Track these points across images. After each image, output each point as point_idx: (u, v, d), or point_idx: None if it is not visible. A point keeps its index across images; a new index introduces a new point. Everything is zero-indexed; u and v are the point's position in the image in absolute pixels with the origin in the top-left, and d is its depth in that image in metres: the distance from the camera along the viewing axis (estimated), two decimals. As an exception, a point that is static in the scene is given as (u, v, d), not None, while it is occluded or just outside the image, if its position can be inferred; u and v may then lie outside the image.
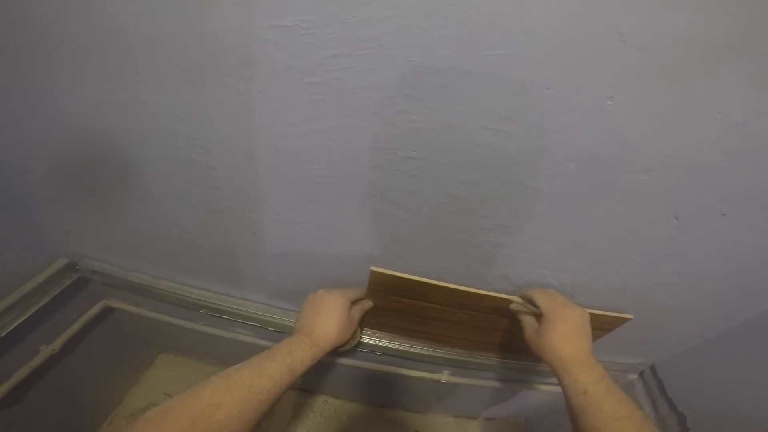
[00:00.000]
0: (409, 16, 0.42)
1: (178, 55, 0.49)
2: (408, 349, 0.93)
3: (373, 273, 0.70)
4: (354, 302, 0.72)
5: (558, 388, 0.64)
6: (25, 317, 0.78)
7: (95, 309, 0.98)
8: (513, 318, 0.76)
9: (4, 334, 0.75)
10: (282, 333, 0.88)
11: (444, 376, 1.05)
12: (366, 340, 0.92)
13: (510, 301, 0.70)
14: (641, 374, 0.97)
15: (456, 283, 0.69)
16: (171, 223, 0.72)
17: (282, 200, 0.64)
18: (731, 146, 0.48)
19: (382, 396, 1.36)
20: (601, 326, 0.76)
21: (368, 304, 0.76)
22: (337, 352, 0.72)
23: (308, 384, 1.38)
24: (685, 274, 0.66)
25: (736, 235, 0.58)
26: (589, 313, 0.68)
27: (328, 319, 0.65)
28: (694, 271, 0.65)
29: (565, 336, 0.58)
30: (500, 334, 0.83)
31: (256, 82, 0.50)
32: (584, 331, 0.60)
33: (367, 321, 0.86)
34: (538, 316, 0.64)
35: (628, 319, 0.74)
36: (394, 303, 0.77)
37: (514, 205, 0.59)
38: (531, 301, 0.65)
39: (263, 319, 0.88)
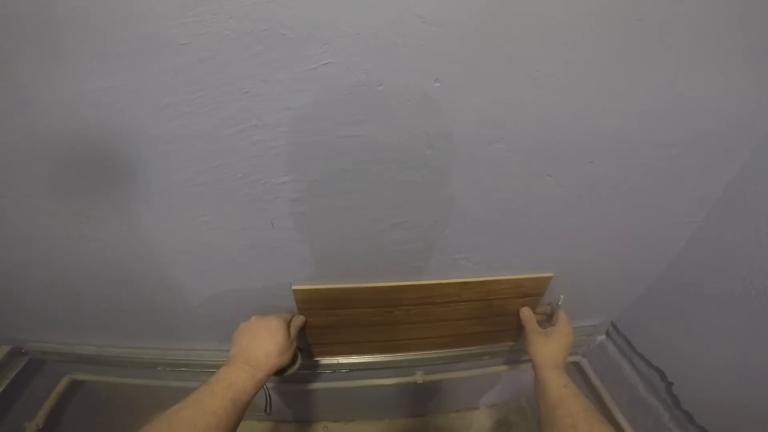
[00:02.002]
0: (228, 51, 0.44)
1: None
2: (369, 360, 0.94)
3: (295, 292, 0.71)
4: (289, 323, 0.73)
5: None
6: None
7: (62, 384, 0.99)
8: (446, 306, 0.78)
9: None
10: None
11: (419, 377, 1.05)
12: (326, 361, 0.93)
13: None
14: (608, 334, 0.97)
15: (376, 282, 0.71)
16: (93, 294, 0.73)
17: (182, 254, 0.66)
18: (562, 99, 0.50)
19: (375, 409, 1.35)
20: (530, 290, 0.77)
21: (300, 319, 0.76)
22: (283, 377, 0.73)
23: (302, 414, 1.37)
24: (584, 224, 0.67)
25: (609, 179, 0.60)
26: (514, 279, 0.74)
27: (266, 342, 0.64)
28: (590, 219, 0.66)
29: (564, 347, 0.73)
30: (445, 324, 0.83)
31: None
32: (571, 345, 0.76)
33: (318, 343, 0.86)
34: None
35: (550, 277, 0.75)
36: (332, 318, 0.78)
37: (398, 200, 0.60)
38: (550, 315, 0.82)
39: (220, 365, 0.89)
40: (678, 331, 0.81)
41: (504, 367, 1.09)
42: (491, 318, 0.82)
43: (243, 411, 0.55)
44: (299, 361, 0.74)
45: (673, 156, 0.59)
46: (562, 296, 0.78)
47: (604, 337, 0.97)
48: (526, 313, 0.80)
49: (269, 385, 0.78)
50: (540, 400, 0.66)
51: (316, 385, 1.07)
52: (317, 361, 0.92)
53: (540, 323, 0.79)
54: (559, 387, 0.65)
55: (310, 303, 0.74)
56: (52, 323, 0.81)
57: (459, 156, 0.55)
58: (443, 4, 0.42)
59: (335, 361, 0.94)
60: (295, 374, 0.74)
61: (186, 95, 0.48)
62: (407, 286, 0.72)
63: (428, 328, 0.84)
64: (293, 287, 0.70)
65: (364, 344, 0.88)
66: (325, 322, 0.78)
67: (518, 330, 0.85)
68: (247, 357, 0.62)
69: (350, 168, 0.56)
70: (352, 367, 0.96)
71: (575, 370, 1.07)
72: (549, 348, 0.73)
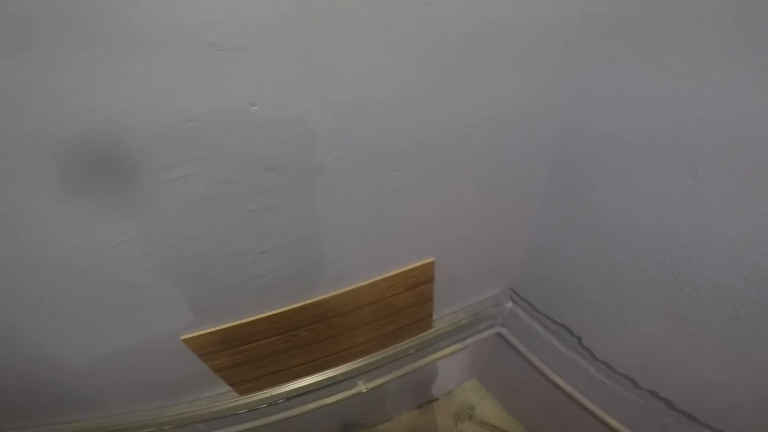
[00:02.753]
0: None
1: None
2: (303, 384, 0.94)
3: (186, 341, 0.70)
4: None
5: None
6: None
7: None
8: (349, 315, 0.80)
9: None
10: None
11: (361, 386, 1.06)
12: (258, 396, 0.92)
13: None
14: (514, 300, 1.04)
15: (267, 312, 0.72)
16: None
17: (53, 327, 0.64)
18: (383, 96, 0.55)
19: (341, 427, 1.35)
20: (419, 279, 0.81)
21: None
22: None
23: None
24: (444, 207, 0.72)
25: (449, 162, 0.66)
26: (401, 272, 0.76)
27: None
28: (448, 201, 0.72)
29: None
30: (359, 331, 0.86)
31: None
32: None
33: (238, 383, 0.85)
34: None
35: (432, 262, 0.79)
36: (238, 356, 0.77)
37: (256, 230, 0.61)
38: None
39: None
40: (564, 285, 0.88)
41: (440, 354, 1.13)
42: (397, 314, 0.86)
43: None
44: None
45: (497, 129, 0.66)
46: None
47: (511, 303, 1.03)
48: None
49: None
50: None
51: (259, 422, 1.05)
52: (248, 399, 0.91)
53: None
54: None
55: (208, 347, 0.73)
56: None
57: (302, 172, 0.57)
58: (238, 29, 0.43)
59: (268, 394, 0.93)
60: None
61: None
62: (301, 307, 0.74)
63: (345, 339, 0.86)
64: (182, 338, 0.70)
65: (288, 371, 0.88)
66: (233, 361, 0.78)
67: (429, 318, 0.89)
68: None
69: (191, 210, 0.56)
70: (288, 396, 0.95)
71: (501, 342, 1.12)
72: None
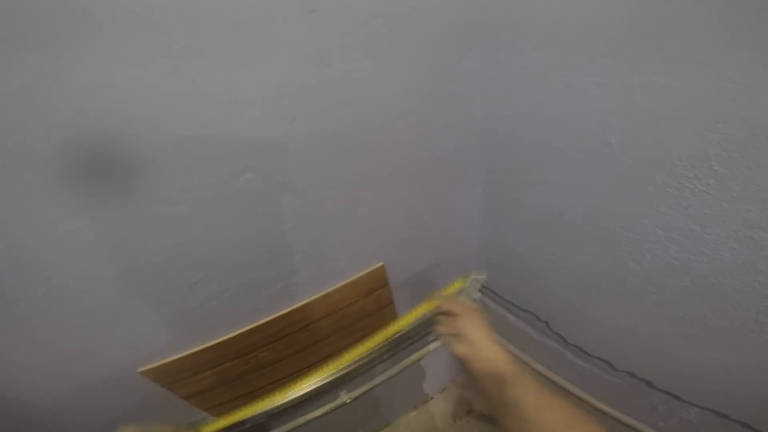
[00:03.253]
0: None
1: None
2: (281, 402, 0.94)
3: (144, 373, 0.71)
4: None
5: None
6: None
7: None
8: (306, 330, 0.79)
9: None
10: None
11: (344, 397, 1.06)
12: (237, 417, 0.92)
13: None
14: (480, 291, 1.02)
15: (219, 338, 0.72)
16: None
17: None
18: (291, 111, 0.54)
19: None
20: (372, 286, 0.80)
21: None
22: None
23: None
24: (380, 210, 0.71)
25: (373, 164, 0.65)
26: (350, 282, 0.75)
27: None
28: (382, 204, 0.71)
29: (490, 338, 0.56)
30: (322, 344, 0.85)
31: None
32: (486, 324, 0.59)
33: (212, 407, 0.86)
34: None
35: (382, 266, 0.79)
36: (202, 382, 0.78)
37: (181, 263, 0.62)
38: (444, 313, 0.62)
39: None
40: (521, 272, 0.87)
41: (417, 354, 1.12)
42: (359, 322, 0.85)
43: None
44: None
45: (415, 124, 0.65)
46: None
47: (480, 294, 1.02)
48: (441, 330, 0.62)
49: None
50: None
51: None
52: (227, 421, 0.91)
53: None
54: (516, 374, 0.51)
55: (168, 377, 0.73)
56: None
57: (213, 200, 0.57)
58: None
59: (247, 415, 0.93)
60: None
61: None
62: (251, 329, 0.74)
63: (309, 354, 0.86)
64: (139, 371, 0.70)
65: (258, 391, 0.89)
66: (198, 388, 0.78)
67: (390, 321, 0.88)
68: None
69: (100, 260, 0.55)
70: (268, 415, 0.96)
71: None
72: (484, 347, 0.56)
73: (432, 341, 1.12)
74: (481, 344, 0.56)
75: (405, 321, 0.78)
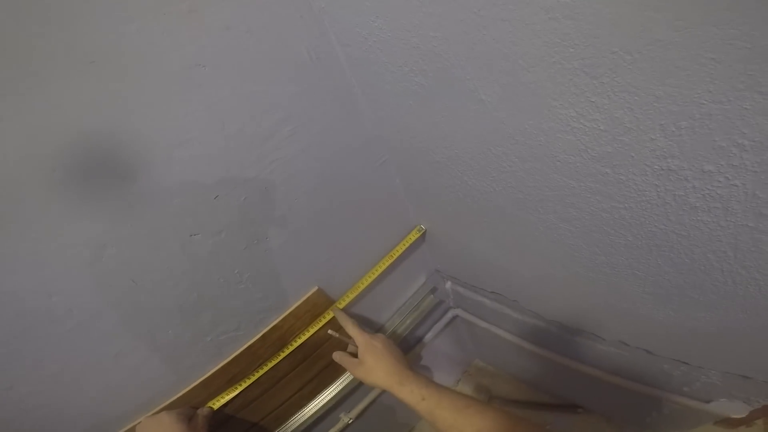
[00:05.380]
0: None
1: None
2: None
3: None
4: (191, 417, 0.69)
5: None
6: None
7: None
8: (260, 371, 0.76)
9: None
10: None
11: (344, 418, 1.03)
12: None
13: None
14: (451, 281, 0.94)
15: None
16: None
17: None
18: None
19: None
20: (315, 312, 0.75)
21: (206, 410, 0.72)
22: None
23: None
24: (293, 236, 0.66)
25: (264, 188, 0.60)
26: (289, 314, 0.72)
27: None
28: (294, 229, 0.66)
29: (382, 358, 0.67)
30: (290, 378, 0.82)
31: None
32: (393, 350, 0.70)
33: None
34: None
35: (318, 290, 0.73)
36: None
37: (93, 337, 0.60)
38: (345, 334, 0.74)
39: None
40: (470, 254, 0.78)
41: (416, 349, 1.06)
42: (317, 353, 0.81)
43: None
44: None
45: (293, 133, 0.59)
46: (333, 310, 0.75)
47: (450, 283, 0.93)
48: (337, 357, 0.76)
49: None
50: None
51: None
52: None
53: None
54: (419, 403, 0.60)
55: None
56: None
57: (94, 296, 0.54)
58: None
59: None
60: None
61: None
62: (199, 384, 0.72)
63: (280, 392, 0.83)
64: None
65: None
66: None
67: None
68: None
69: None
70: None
71: (461, 325, 1.03)
72: (372, 372, 0.67)
73: (425, 335, 1.05)
74: (390, 375, 0.65)
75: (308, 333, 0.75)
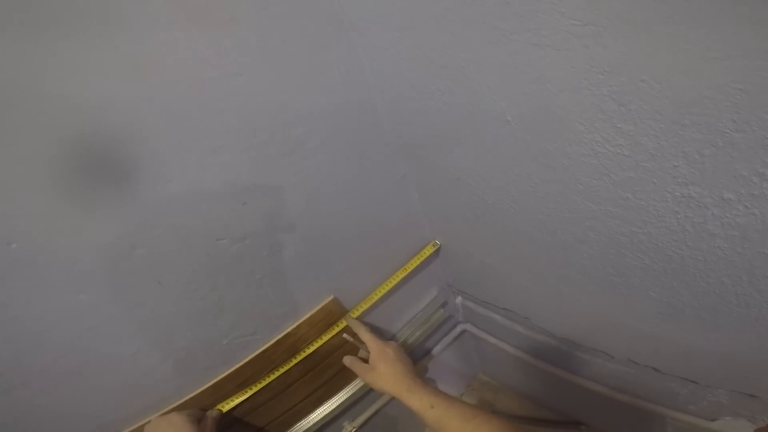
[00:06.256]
0: None
1: None
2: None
3: None
4: (200, 419, 0.69)
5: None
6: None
7: None
8: (272, 375, 0.77)
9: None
10: None
11: (348, 427, 1.03)
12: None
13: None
14: (461, 296, 0.95)
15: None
16: None
17: None
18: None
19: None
20: (329, 320, 0.76)
21: (215, 412, 0.73)
22: None
23: None
24: (314, 246, 0.67)
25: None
26: (304, 321, 0.73)
27: None
28: (314, 239, 0.67)
29: (393, 366, 0.68)
30: (300, 384, 0.82)
31: None
32: (404, 358, 0.71)
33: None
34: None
35: (332, 299, 0.74)
36: None
37: (108, 338, 0.60)
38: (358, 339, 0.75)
39: None
40: (485, 270, 0.79)
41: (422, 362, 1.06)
42: (327, 361, 0.81)
43: None
44: None
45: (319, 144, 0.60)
46: (349, 315, 0.76)
47: (460, 298, 0.94)
48: (347, 361, 0.77)
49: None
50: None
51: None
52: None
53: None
54: (426, 411, 0.61)
55: None
56: None
57: (113, 286, 0.55)
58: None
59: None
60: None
61: None
62: (211, 386, 0.72)
63: (288, 397, 0.83)
64: None
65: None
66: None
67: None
68: None
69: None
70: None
71: (469, 339, 1.03)
72: (382, 378, 0.69)
73: (433, 347, 1.05)
74: (398, 383, 0.66)
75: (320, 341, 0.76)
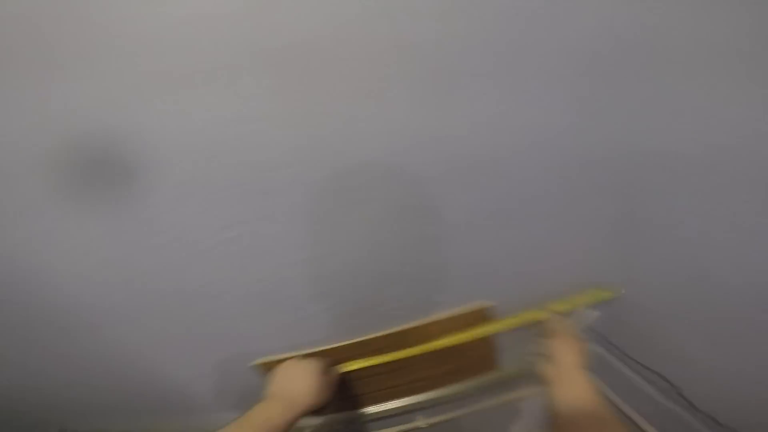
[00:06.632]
0: None
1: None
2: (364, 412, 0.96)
3: (256, 367, 0.77)
4: (327, 372, 0.75)
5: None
6: None
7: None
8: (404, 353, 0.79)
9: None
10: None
11: (420, 422, 1.04)
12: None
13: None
14: (597, 342, 0.90)
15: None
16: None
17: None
18: None
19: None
20: (472, 322, 0.77)
21: (337, 371, 0.78)
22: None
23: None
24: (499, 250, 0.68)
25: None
26: (455, 314, 0.75)
27: (302, 382, 0.67)
28: (504, 246, 0.67)
29: (580, 367, 0.62)
30: (413, 368, 0.85)
31: None
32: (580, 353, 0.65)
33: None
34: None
35: (489, 306, 0.75)
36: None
37: (300, 281, 0.66)
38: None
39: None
40: (653, 328, 0.74)
41: (508, 397, 1.04)
42: (451, 356, 0.83)
43: None
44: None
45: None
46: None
47: (595, 345, 0.90)
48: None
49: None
50: None
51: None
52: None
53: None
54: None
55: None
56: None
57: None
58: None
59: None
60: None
61: None
62: (351, 344, 0.76)
63: (403, 374, 0.86)
64: (252, 364, 0.78)
65: (353, 399, 0.91)
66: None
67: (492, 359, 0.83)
68: (284, 395, 0.65)
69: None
70: (349, 420, 0.97)
71: None
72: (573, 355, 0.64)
73: (522, 389, 1.03)
74: (569, 370, 0.61)
75: (504, 324, 0.77)
